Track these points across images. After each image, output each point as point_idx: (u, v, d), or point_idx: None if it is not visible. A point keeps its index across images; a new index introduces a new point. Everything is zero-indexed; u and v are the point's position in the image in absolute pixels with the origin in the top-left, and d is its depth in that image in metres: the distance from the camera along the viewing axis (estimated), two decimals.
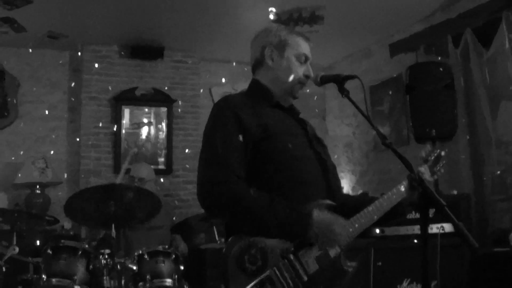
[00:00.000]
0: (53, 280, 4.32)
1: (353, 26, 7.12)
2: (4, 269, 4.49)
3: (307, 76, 2.64)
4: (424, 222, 2.27)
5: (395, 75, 7.18)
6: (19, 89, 7.59)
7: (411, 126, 5.71)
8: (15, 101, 7.54)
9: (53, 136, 7.66)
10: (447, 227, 4.93)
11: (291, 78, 2.60)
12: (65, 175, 7.55)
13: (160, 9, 6.57)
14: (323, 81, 2.63)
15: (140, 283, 4.48)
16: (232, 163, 2.35)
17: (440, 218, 4.23)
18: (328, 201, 2.39)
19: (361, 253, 5.90)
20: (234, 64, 8.33)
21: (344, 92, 2.60)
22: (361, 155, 7.87)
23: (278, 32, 2.69)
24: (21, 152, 7.42)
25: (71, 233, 6.89)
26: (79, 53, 7.69)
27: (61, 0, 6.27)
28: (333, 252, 2.31)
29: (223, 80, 8.38)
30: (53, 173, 7.09)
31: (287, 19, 6.84)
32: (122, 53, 7.75)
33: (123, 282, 4.45)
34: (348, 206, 2.50)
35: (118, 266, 4.38)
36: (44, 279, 4.33)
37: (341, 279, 2.34)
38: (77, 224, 6.65)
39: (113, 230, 4.48)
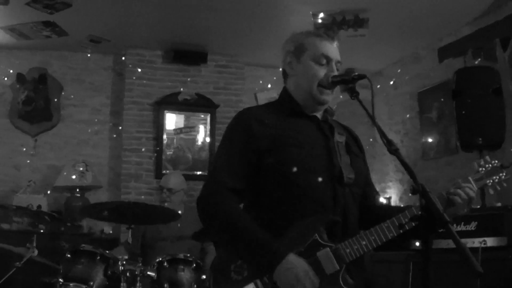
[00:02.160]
0: (71, 284, 4.29)
1: (402, 30, 6.86)
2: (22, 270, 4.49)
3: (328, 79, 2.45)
4: (426, 238, 2.06)
5: (444, 81, 6.87)
6: (62, 93, 7.67)
7: (457, 133, 5.43)
8: (58, 104, 7.61)
9: (95, 140, 7.70)
10: (490, 241, 4.66)
11: (309, 83, 2.44)
12: (106, 179, 7.53)
13: (203, 14, 6.50)
14: (335, 82, 2.43)
15: None
16: (225, 176, 2.34)
17: (483, 231, 3.93)
18: (333, 217, 2.29)
19: (399, 266, 5.67)
20: (280, 69, 8.12)
21: (353, 94, 2.40)
22: (409, 164, 7.54)
23: (296, 37, 2.58)
24: (63, 155, 7.47)
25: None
26: (123, 58, 7.69)
27: (103, 4, 6.27)
28: (329, 269, 2.18)
29: (269, 85, 8.21)
30: (92, 177, 7.11)
31: (331, 23, 6.63)
32: (165, 57, 7.70)
33: None
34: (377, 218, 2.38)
35: (137, 273, 4.26)
36: (61, 283, 4.29)
37: None
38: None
39: (129, 236, 4.42)
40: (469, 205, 2.34)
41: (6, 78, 7.52)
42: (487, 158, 2.48)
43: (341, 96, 8.22)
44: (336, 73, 2.46)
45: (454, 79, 5.47)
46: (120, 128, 7.60)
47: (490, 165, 2.45)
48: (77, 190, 7.06)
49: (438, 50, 6.88)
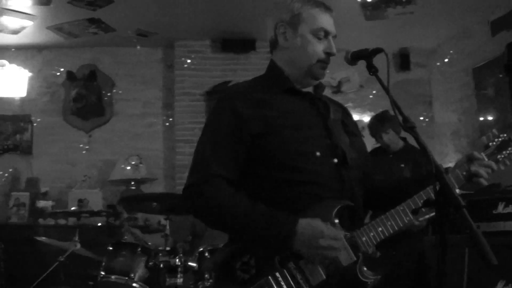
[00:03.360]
0: (112, 277, 4.34)
1: (452, 5, 6.55)
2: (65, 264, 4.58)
3: (328, 54, 2.30)
4: (441, 224, 1.92)
5: (498, 55, 6.54)
6: (114, 88, 7.77)
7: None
8: (110, 99, 7.72)
9: (149, 133, 7.75)
10: None
11: (307, 58, 2.27)
12: (162, 171, 7.58)
13: (250, 0, 6.39)
14: (354, 57, 2.28)
15: (200, 282, 4.33)
16: (211, 162, 2.14)
17: None
18: (344, 201, 2.12)
19: (454, 251, 5.46)
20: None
21: (372, 69, 2.22)
22: (468, 144, 7.27)
23: (291, 5, 2.32)
24: (118, 150, 7.56)
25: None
26: (172, 49, 7.70)
27: None
28: (346, 260, 2.02)
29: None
30: (147, 169, 7.16)
31: (377, 1, 6.43)
32: (214, 47, 7.67)
33: (182, 280, 4.33)
34: (385, 197, 2.30)
35: (178, 263, 4.24)
36: (102, 275, 4.34)
37: None
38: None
39: (167, 227, 4.43)
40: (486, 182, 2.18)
41: (57, 76, 7.68)
42: (495, 131, 2.29)
43: (396, 76, 8.09)
44: (333, 48, 2.31)
45: (506, 53, 5.19)
46: (173, 119, 7.62)
47: (499, 139, 2.27)
48: (132, 183, 7.13)
49: (490, 23, 6.59)
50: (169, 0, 6.37)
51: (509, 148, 2.26)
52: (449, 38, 7.62)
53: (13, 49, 7.55)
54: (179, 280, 4.20)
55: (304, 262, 2.00)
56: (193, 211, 2.19)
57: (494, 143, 2.27)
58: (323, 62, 2.29)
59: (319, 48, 2.28)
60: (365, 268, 2.05)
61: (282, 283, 1.98)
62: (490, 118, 6.79)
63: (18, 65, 7.55)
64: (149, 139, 7.72)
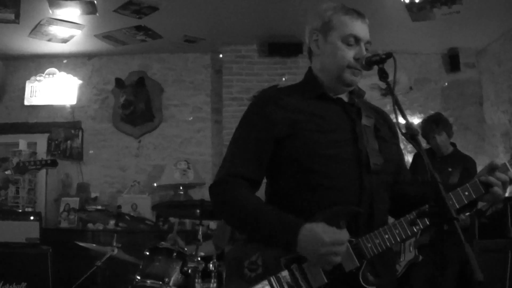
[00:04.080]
0: (148, 281, 4.36)
1: (499, 3, 6.34)
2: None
3: (359, 60, 2.24)
4: (437, 237, 1.84)
5: None
6: (163, 94, 7.85)
7: None
8: (159, 105, 7.80)
9: (198, 138, 7.80)
10: None
11: (337, 64, 2.26)
12: (210, 176, 7.60)
13: (295, 2, 6.34)
14: (368, 63, 2.21)
15: None
16: (238, 164, 2.23)
17: None
18: (355, 208, 2.10)
19: (497, 255, 5.26)
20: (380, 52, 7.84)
21: (382, 75, 2.15)
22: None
23: (323, 13, 2.35)
24: (167, 155, 7.64)
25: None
26: (220, 55, 7.73)
27: (193, 4, 6.32)
28: (349, 266, 2.01)
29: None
30: (194, 174, 7.19)
31: (424, 2, 6.29)
32: (261, 51, 7.65)
33: (215, 285, 4.31)
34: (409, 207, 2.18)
35: (212, 269, 4.23)
36: (137, 280, 4.37)
37: None
38: None
39: (200, 233, 4.42)
40: (505, 190, 2.07)
41: (107, 84, 7.85)
42: None
43: (446, 77, 7.88)
44: (365, 53, 2.24)
45: None
46: (221, 124, 7.63)
47: None
48: (180, 188, 7.17)
49: None
50: (214, 5, 6.38)
51: None
52: (498, 37, 7.38)
53: (63, 58, 7.76)
54: (213, 285, 4.18)
55: (307, 265, 2.00)
56: (214, 207, 2.26)
57: None
58: (354, 68, 2.25)
59: (349, 54, 2.25)
60: (369, 275, 2.02)
61: (284, 284, 2.00)
62: None
63: (68, 73, 7.78)
64: (198, 144, 7.77)
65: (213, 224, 7.07)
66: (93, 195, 7.31)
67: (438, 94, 7.95)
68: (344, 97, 2.34)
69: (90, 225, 6.81)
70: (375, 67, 2.18)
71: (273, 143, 2.20)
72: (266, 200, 2.30)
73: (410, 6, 6.32)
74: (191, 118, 7.84)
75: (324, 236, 1.93)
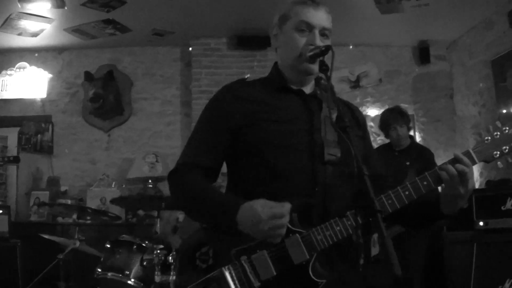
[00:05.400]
0: (109, 274, 4.44)
1: None
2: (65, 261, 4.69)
3: (311, 45, 2.23)
4: (367, 227, 1.89)
5: None
6: (133, 87, 7.88)
7: None
8: (129, 99, 7.83)
9: (168, 131, 7.83)
10: None
11: (291, 53, 2.27)
12: None
13: None
14: (313, 56, 2.21)
15: None
16: (194, 153, 2.29)
17: None
18: (304, 200, 2.08)
19: (462, 247, 5.37)
20: (350, 47, 7.94)
21: (323, 67, 2.18)
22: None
23: (282, 7, 2.38)
24: (137, 148, 7.69)
25: None
26: (190, 48, 7.76)
27: None
28: (298, 258, 2.00)
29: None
30: (163, 167, 7.23)
31: None
32: (230, 44, 7.69)
33: (175, 278, 4.38)
34: None
35: (171, 261, 4.29)
36: (98, 272, 4.44)
37: None
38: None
39: (158, 225, 4.48)
40: (463, 184, 2.01)
41: (77, 77, 7.87)
42: (498, 123, 2.08)
43: (416, 70, 7.97)
44: (318, 40, 2.23)
45: None
46: (190, 117, 7.66)
47: (499, 134, 2.06)
48: (149, 181, 7.22)
49: (508, 14, 6.41)
50: None
51: None
52: (469, 29, 7.46)
53: (34, 52, 7.78)
54: (172, 278, 4.24)
55: (257, 257, 2.01)
56: (170, 195, 2.32)
57: (491, 138, 2.08)
58: (306, 56, 2.23)
59: (301, 41, 2.25)
60: (319, 267, 2.02)
61: (234, 275, 2.01)
62: (507, 111, 6.61)
63: (39, 67, 7.79)
64: (168, 137, 7.80)
65: (182, 217, 7.17)
66: (63, 188, 7.33)
67: (409, 86, 8.02)
68: (309, 89, 2.34)
69: (59, 219, 6.84)
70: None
71: (229, 133, 2.22)
72: (226, 190, 2.34)
73: None
74: (161, 111, 7.89)
75: (262, 213, 1.93)
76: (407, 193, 2.04)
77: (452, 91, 7.96)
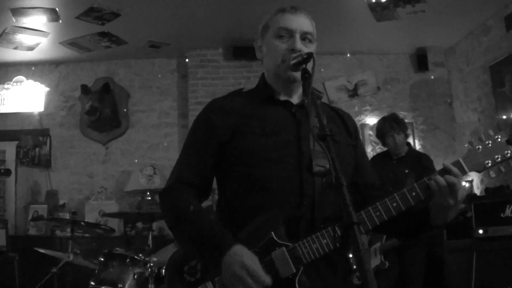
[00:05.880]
0: (102, 287, 4.39)
1: (466, 1, 6.38)
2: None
3: (293, 50, 2.18)
4: (345, 240, 1.81)
5: None
6: (130, 99, 7.89)
7: None
8: (126, 111, 7.82)
9: (166, 143, 7.81)
10: None
11: (273, 61, 2.25)
12: None
13: (259, 6, 6.24)
14: (295, 64, 2.15)
15: None
16: (183, 171, 2.25)
17: None
18: (290, 212, 2.04)
19: (462, 255, 5.33)
20: (348, 55, 7.93)
21: (305, 75, 2.11)
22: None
23: (263, 18, 2.36)
24: (135, 160, 7.66)
25: None
26: (186, 60, 7.76)
27: (155, 9, 6.36)
28: (285, 272, 1.95)
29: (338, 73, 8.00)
30: (161, 179, 7.22)
31: (386, 1, 6.33)
32: (226, 55, 7.69)
33: None
34: None
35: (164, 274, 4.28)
36: (92, 285, 4.42)
37: None
38: None
39: (150, 237, 4.46)
40: (453, 195, 1.96)
41: (74, 90, 7.88)
42: (490, 132, 2.02)
43: (414, 77, 7.94)
44: (298, 44, 2.19)
45: None
46: (188, 129, 7.60)
47: (491, 142, 2.01)
48: (147, 193, 7.20)
49: (505, 19, 6.38)
50: (178, 10, 6.42)
51: (506, 152, 2.01)
52: (466, 35, 7.43)
53: (31, 66, 7.80)
54: None
55: None
56: (162, 213, 2.29)
57: (481, 147, 2.02)
58: (287, 61, 2.19)
59: (281, 47, 2.22)
60: (306, 281, 1.97)
61: None
62: (506, 117, 6.56)
63: (36, 80, 7.81)
64: (165, 149, 7.79)
65: None
66: (61, 202, 7.34)
67: (407, 94, 7.99)
68: (297, 98, 2.29)
69: (58, 232, 6.84)
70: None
71: (217, 148, 2.19)
72: (217, 204, 2.31)
73: (373, 6, 6.36)
74: (158, 123, 7.88)
75: (240, 272, 1.89)
76: (394, 204, 1.99)
77: (451, 98, 7.92)
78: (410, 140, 7.58)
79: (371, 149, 7.50)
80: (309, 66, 2.13)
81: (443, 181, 1.95)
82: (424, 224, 2.09)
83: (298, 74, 2.17)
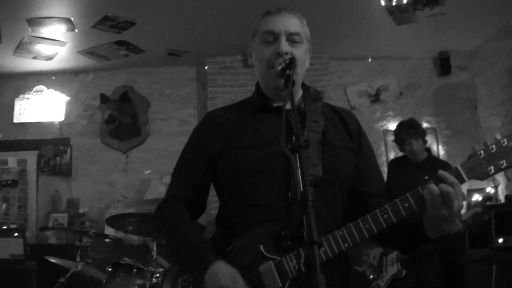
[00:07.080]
0: None
1: (488, 3, 6.22)
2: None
3: (278, 54, 2.10)
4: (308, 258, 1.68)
5: None
6: (150, 108, 7.89)
7: None
8: (146, 119, 7.83)
9: None
10: None
11: (261, 66, 2.20)
12: None
13: None
14: (281, 71, 2.06)
15: None
16: (177, 186, 2.29)
17: None
18: (280, 225, 1.97)
19: (481, 265, 5.17)
20: (369, 60, 7.81)
21: (289, 81, 1.98)
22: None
23: (252, 26, 2.32)
24: (155, 169, 7.64)
25: None
26: (205, 67, 7.73)
27: (172, 17, 6.35)
28: (271, 286, 1.89)
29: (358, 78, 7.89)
30: None
31: (405, 4, 6.21)
32: (245, 62, 7.60)
33: None
34: None
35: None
36: None
37: None
38: None
39: (154, 248, 4.41)
40: (447, 205, 1.82)
41: (94, 99, 7.91)
42: (497, 136, 1.89)
43: (437, 81, 7.77)
44: (283, 46, 2.11)
45: None
46: None
47: (495, 147, 1.87)
48: None
49: None
50: (195, 17, 6.40)
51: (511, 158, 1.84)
52: (489, 37, 7.24)
53: (50, 75, 7.88)
54: None
55: None
56: (159, 228, 2.47)
57: (483, 152, 1.88)
58: (273, 66, 2.12)
59: (267, 52, 2.15)
60: None
61: None
62: None
63: (56, 90, 7.87)
64: None
65: None
66: (81, 210, 7.35)
67: (430, 99, 7.83)
68: (295, 102, 2.09)
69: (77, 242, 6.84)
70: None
71: (210, 162, 2.17)
72: (216, 217, 2.27)
73: (392, 10, 6.26)
74: (178, 131, 7.81)
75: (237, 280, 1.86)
76: (385, 216, 1.89)
77: (475, 102, 7.73)
78: (434, 145, 7.43)
79: (394, 155, 7.35)
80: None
81: (437, 190, 1.82)
82: (422, 236, 1.95)
83: (279, 82, 2.08)
